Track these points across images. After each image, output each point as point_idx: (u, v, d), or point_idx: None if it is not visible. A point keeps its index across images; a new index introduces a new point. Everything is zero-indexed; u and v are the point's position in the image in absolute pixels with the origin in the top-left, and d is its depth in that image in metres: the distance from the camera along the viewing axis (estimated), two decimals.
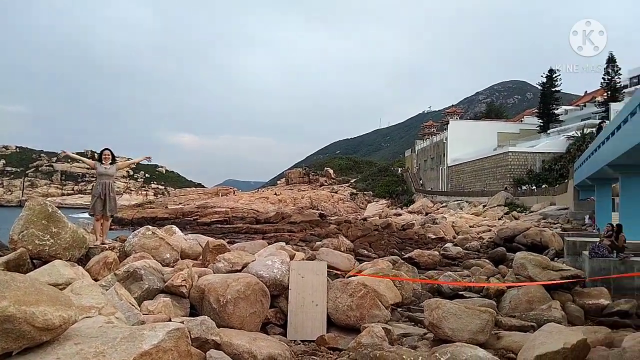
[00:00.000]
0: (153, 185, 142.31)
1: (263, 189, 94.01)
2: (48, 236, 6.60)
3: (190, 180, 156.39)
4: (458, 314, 6.47)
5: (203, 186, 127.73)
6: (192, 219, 50.14)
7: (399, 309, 8.88)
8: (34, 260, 6.70)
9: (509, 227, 24.25)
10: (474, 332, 6.37)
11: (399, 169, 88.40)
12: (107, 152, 8.75)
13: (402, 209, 57.86)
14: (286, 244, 13.10)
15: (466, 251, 20.92)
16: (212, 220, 48.20)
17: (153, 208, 64.85)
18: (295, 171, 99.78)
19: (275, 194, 75.32)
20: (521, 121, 70.00)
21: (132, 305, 5.12)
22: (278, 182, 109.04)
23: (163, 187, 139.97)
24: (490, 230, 28.83)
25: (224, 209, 54.93)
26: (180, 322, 3.91)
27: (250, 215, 50.78)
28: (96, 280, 6.27)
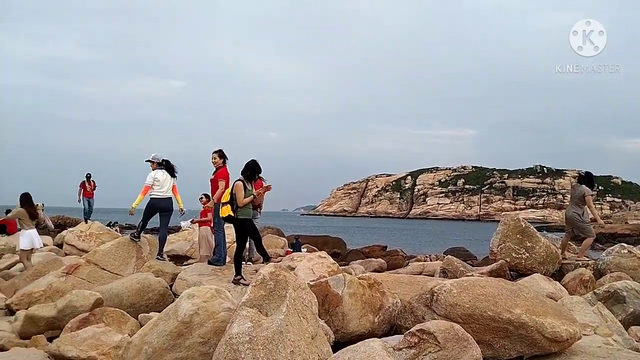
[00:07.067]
0: (608, 199, 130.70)
1: None
2: (523, 250, 7.05)
3: None
4: None
5: None
6: None
7: None
8: (511, 272, 7.28)
9: None
10: None
11: None
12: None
13: None
14: None
15: None
16: None
17: (610, 223, 59.32)
18: None
19: None
20: None
21: (620, 329, 4.80)
22: None
23: (620, 200, 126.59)
24: None
25: None
26: None
27: None
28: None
